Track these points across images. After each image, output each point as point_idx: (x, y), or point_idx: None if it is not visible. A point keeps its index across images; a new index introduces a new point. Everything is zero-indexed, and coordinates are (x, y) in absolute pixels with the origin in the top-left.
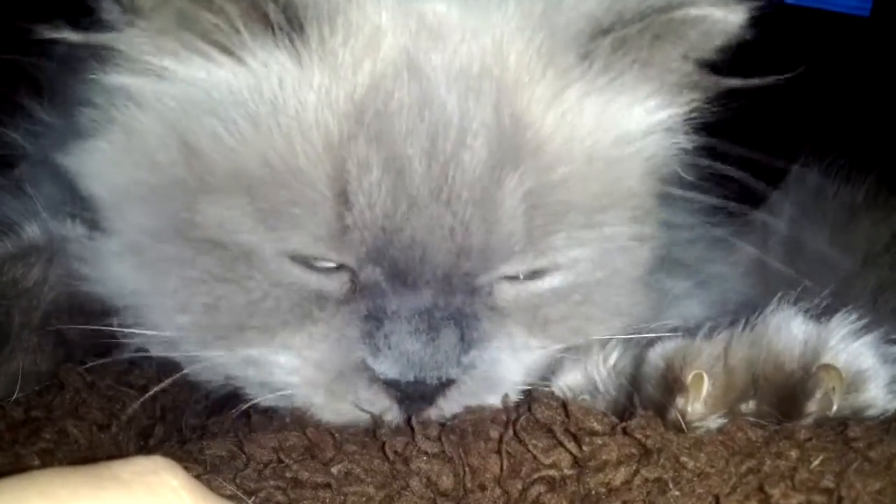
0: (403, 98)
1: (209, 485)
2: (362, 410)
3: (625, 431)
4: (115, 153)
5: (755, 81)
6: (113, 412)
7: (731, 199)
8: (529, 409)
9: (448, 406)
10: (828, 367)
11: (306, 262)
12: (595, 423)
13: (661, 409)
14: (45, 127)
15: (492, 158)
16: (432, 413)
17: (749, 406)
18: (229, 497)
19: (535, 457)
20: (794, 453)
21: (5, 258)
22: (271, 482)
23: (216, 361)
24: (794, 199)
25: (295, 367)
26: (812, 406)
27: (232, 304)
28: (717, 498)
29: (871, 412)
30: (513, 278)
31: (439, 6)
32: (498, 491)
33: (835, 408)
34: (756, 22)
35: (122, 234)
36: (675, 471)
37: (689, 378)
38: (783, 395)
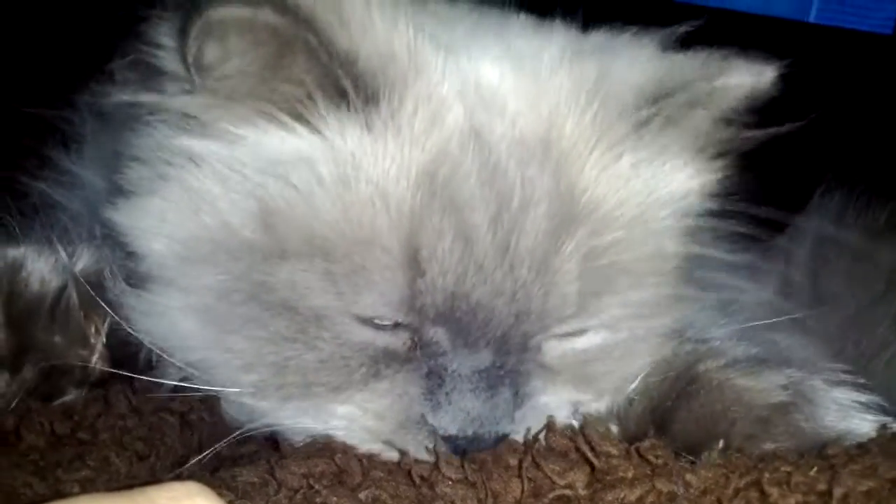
0: (470, 168)
1: None
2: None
3: (638, 453)
4: (173, 210)
5: (773, 131)
6: (153, 443)
7: (753, 225)
8: (546, 439)
9: None
10: None
11: (372, 323)
12: (610, 447)
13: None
14: (73, 178)
15: (551, 225)
16: None
17: None
18: None
19: (552, 480)
20: (788, 468)
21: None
22: None
23: (266, 411)
24: (817, 224)
25: (355, 418)
26: None
27: (300, 363)
28: (720, 501)
29: None
30: (557, 338)
31: (494, 74)
32: None
33: None
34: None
35: (187, 291)
36: (685, 487)
37: None
38: None
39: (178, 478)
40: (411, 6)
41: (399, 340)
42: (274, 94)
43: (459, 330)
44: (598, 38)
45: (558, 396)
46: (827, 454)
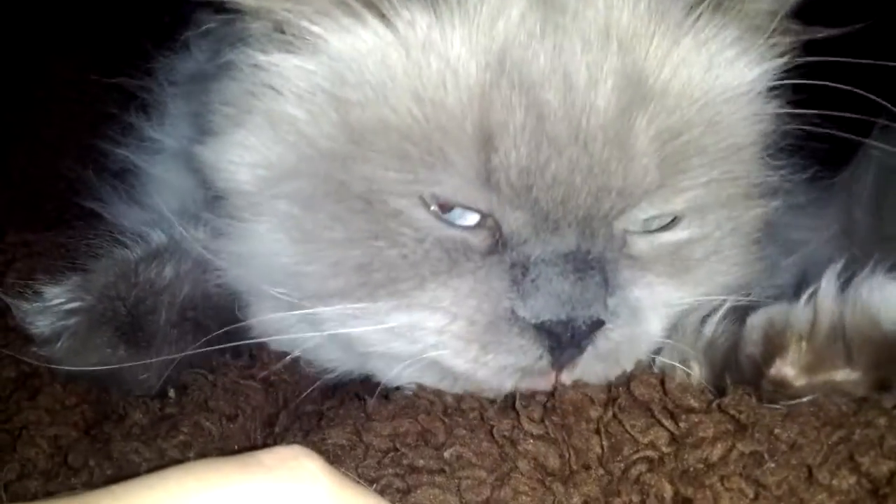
0: (538, 48)
1: None
2: (512, 367)
3: (720, 408)
4: (258, 139)
5: (836, 31)
6: (238, 404)
7: (813, 163)
8: (628, 388)
9: (596, 352)
10: None
11: (451, 221)
12: (692, 401)
13: (757, 373)
14: (154, 143)
15: (621, 101)
16: (581, 363)
17: (846, 374)
18: None
19: (633, 437)
20: (882, 421)
21: (138, 261)
22: (390, 470)
23: (357, 337)
24: (877, 160)
25: (445, 326)
26: None
27: (384, 259)
28: (809, 468)
29: None
30: (645, 232)
31: None
32: (601, 471)
33: None
34: None
35: (272, 213)
36: (770, 443)
37: (790, 340)
38: (881, 357)
39: (271, 437)
40: None
41: (480, 237)
42: None
43: (539, 211)
44: None
45: (652, 292)
46: None
